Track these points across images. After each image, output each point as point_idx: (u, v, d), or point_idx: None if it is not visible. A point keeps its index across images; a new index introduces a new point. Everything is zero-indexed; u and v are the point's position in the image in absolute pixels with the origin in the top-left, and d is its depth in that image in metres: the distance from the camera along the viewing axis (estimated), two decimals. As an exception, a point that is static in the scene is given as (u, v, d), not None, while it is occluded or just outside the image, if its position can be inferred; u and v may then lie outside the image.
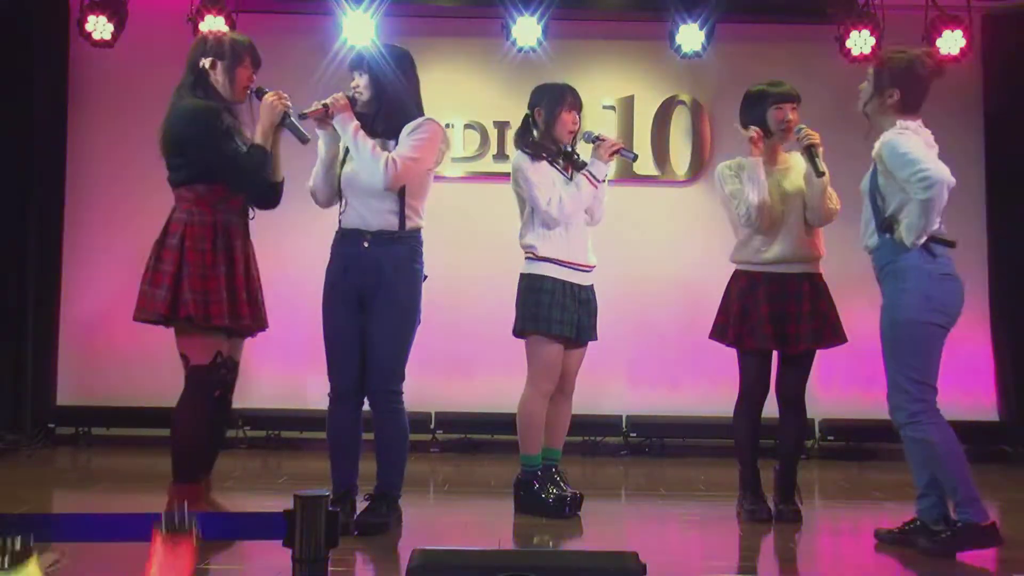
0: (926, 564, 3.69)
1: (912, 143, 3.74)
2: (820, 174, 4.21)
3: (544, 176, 4.36)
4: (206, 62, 3.92)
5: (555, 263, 4.37)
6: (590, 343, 4.53)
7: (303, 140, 3.92)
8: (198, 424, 3.87)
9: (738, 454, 4.47)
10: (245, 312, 3.88)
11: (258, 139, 3.87)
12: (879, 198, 3.84)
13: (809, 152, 4.23)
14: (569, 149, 4.50)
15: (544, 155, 4.40)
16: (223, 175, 3.84)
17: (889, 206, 3.81)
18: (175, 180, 3.91)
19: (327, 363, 4.06)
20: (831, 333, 4.35)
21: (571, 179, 4.43)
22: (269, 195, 4.09)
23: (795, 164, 4.42)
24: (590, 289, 4.49)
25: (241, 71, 3.93)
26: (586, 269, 4.46)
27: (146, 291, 3.83)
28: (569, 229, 4.39)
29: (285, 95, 3.95)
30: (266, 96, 3.91)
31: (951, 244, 3.80)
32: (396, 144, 3.96)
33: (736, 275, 4.44)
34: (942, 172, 3.65)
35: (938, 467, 3.72)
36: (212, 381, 3.86)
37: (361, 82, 4.00)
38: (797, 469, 4.44)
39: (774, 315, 4.29)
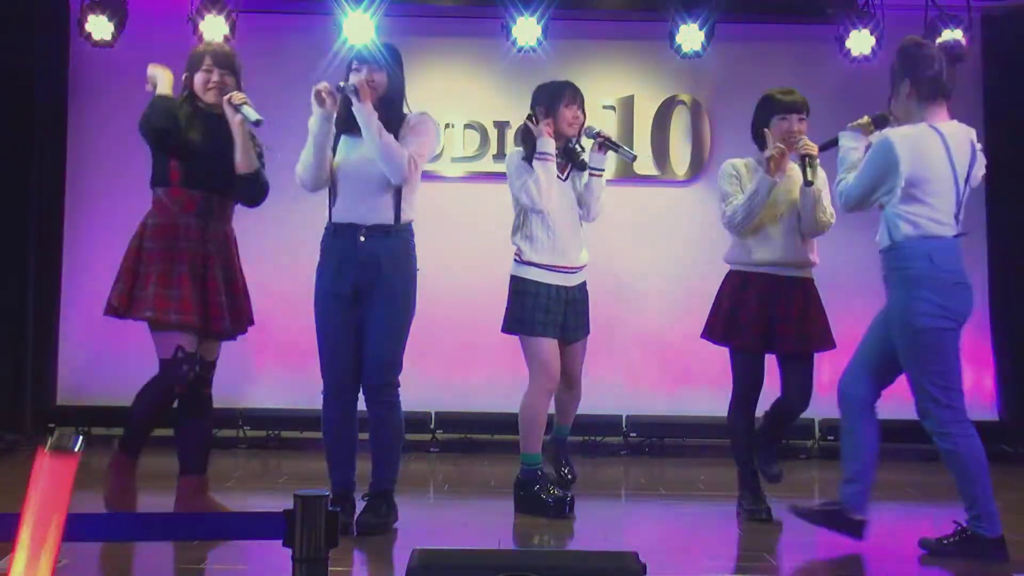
0: (924, 565, 3.69)
1: (879, 156, 3.72)
2: (808, 183, 4.24)
3: (520, 169, 4.41)
4: (186, 75, 4.10)
5: (539, 267, 4.39)
6: (591, 339, 4.55)
7: (257, 123, 3.91)
8: (147, 406, 4.00)
9: (735, 454, 4.47)
10: (189, 309, 3.88)
11: (161, 90, 3.98)
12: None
13: (804, 161, 4.24)
14: (571, 145, 4.50)
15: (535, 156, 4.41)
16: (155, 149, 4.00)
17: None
18: (151, 183, 4.09)
19: (320, 360, 4.05)
20: (819, 338, 4.35)
21: (566, 178, 4.46)
22: (250, 188, 4.05)
23: (796, 172, 4.40)
24: (578, 288, 4.51)
25: (199, 75, 4.06)
26: (573, 270, 4.47)
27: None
28: (556, 230, 4.40)
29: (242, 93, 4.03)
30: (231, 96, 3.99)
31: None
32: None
33: (729, 275, 4.45)
34: (841, 197, 3.87)
35: (961, 477, 3.69)
36: (173, 375, 3.92)
37: (378, 78, 4.01)
38: (785, 433, 4.43)
39: (763, 315, 4.30)
